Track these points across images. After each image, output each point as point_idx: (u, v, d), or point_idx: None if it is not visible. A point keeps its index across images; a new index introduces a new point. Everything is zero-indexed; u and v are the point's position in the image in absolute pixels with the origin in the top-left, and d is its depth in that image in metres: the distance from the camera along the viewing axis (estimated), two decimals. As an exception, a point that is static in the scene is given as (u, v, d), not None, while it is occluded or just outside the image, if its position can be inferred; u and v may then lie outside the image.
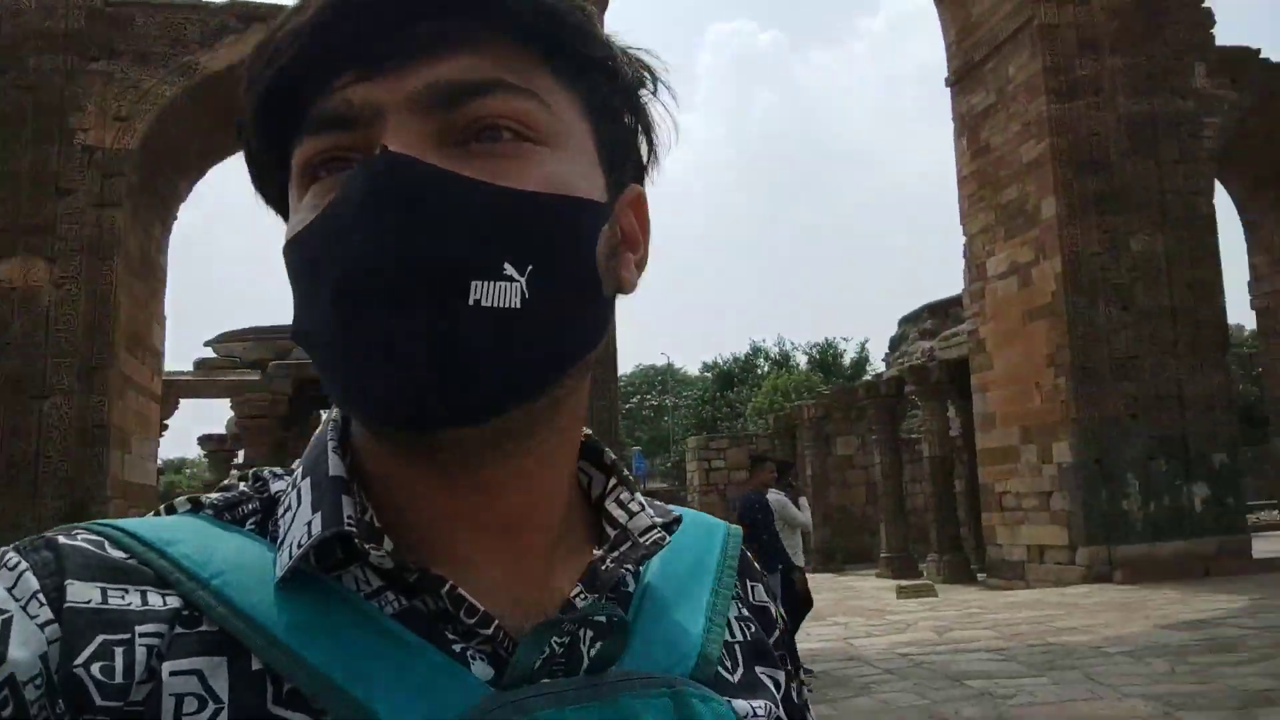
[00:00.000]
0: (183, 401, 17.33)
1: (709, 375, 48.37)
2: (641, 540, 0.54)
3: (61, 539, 0.47)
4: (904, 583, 14.30)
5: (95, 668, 0.43)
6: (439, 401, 0.44)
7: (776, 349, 46.87)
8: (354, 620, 0.47)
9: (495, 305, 0.44)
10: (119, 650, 0.43)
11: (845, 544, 20.80)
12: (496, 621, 0.48)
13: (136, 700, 0.43)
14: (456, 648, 0.48)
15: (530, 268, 0.46)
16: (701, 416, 42.46)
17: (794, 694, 0.62)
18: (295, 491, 0.51)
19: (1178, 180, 12.84)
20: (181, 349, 59.77)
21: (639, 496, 0.57)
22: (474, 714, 0.44)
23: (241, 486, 0.55)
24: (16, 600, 0.43)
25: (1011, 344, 13.76)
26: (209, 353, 18.60)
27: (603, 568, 0.53)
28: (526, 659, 0.47)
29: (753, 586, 0.64)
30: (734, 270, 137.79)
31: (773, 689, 0.58)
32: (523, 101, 0.48)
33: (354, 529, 0.47)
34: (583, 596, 0.51)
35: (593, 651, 0.50)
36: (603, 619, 0.51)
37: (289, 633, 0.45)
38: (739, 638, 0.59)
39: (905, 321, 26.00)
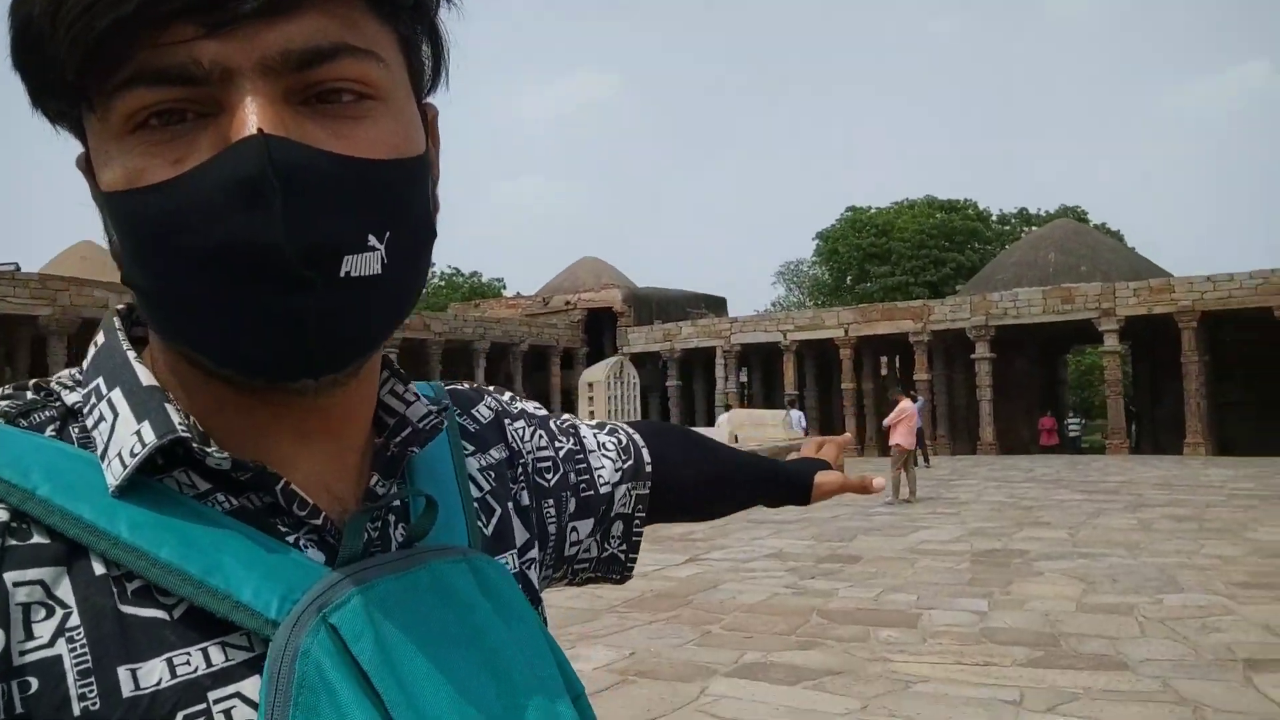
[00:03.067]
0: None
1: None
2: (421, 426, 0.58)
3: None
4: None
5: None
6: (312, 362, 0.47)
7: None
8: (193, 519, 0.49)
9: (362, 274, 0.47)
10: None
11: None
12: (324, 513, 0.52)
13: None
14: (290, 538, 0.51)
15: (388, 235, 0.48)
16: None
17: (548, 470, 0.75)
18: (104, 402, 0.51)
19: None
20: None
21: (412, 386, 0.61)
22: (322, 588, 0.49)
23: (28, 394, 0.53)
24: None
25: None
26: None
27: (388, 453, 0.57)
28: (353, 543, 0.52)
29: (475, 412, 0.72)
30: None
31: (513, 508, 0.69)
32: (365, 64, 0.48)
33: (188, 434, 0.49)
34: (381, 484, 0.56)
35: (399, 533, 0.57)
36: (398, 503, 0.58)
37: (134, 534, 0.47)
38: (486, 487, 0.67)
39: None
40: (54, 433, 0.51)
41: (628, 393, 18.41)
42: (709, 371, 33.25)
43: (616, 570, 0.85)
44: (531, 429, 0.76)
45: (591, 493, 0.78)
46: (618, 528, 0.82)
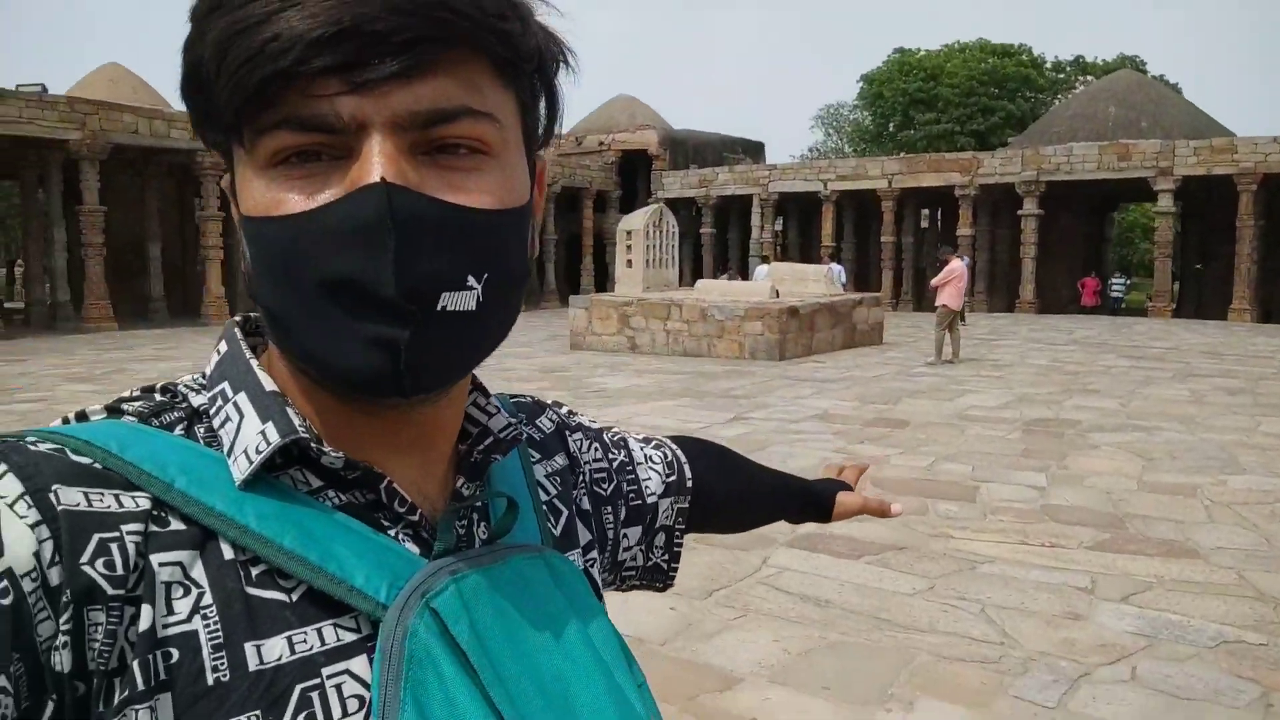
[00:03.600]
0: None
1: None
2: (502, 436, 0.64)
3: (28, 446, 0.51)
4: None
5: (99, 563, 0.48)
6: (401, 384, 0.52)
7: None
8: (310, 512, 0.54)
9: (458, 309, 0.52)
10: (114, 546, 0.49)
11: None
12: (420, 510, 0.59)
13: (134, 588, 0.49)
14: (390, 532, 0.57)
15: (485, 276, 0.53)
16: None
17: (592, 475, 0.79)
18: (230, 405, 0.57)
19: None
20: None
21: (493, 399, 0.67)
22: (423, 576, 0.54)
23: (158, 396, 0.59)
24: (2, 498, 0.47)
25: None
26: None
27: (472, 459, 0.63)
28: (447, 537, 0.58)
29: (539, 422, 0.78)
30: None
31: (575, 511, 0.74)
32: (482, 125, 0.53)
33: (307, 435, 0.55)
34: (466, 487, 0.62)
35: (481, 530, 0.62)
36: (480, 504, 0.63)
37: (261, 524, 0.53)
38: (553, 491, 0.73)
39: None
40: (182, 431, 0.57)
41: (666, 241, 17.92)
42: (744, 219, 32.57)
43: (660, 578, 0.90)
44: (588, 441, 0.81)
45: (640, 502, 0.84)
46: (660, 539, 0.88)
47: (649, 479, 0.85)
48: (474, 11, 0.51)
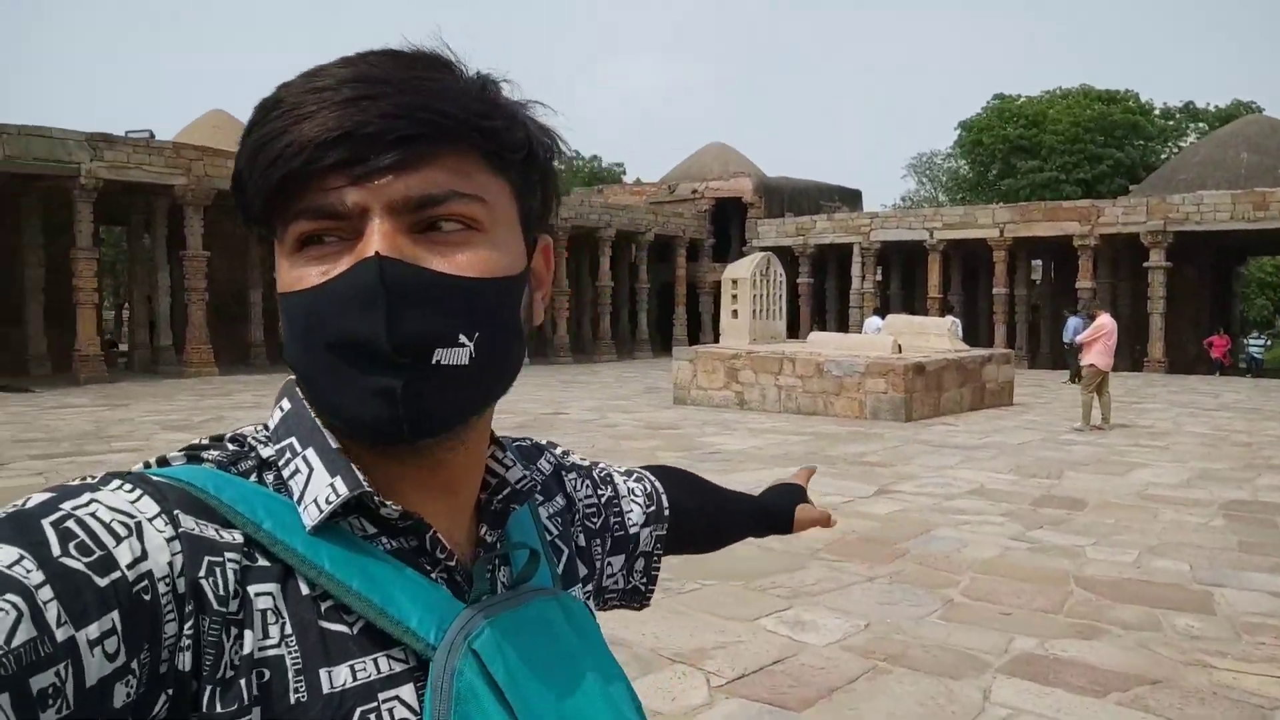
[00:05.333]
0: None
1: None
2: (518, 487, 0.71)
3: (153, 477, 0.58)
4: None
5: (208, 581, 0.55)
6: (409, 429, 0.59)
7: None
8: (370, 558, 0.61)
9: (451, 364, 0.59)
10: (218, 570, 0.56)
11: None
12: (456, 556, 0.65)
13: (234, 611, 0.56)
14: (432, 575, 0.64)
15: (477, 335, 0.60)
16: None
17: (582, 510, 0.87)
18: (299, 458, 0.63)
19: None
20: None
21: (509, 454, 0.73)
22: (464, 619, 0.62)
23: (230, 446, 0.65)
24: (143, 513, 0.55)
25: None
26: None
27: (491, 507, 0.70)
28: (481, 584, 0.65)
29: (539, 465, 0.84)
30: None
31: (574, 550, 0.82)
32: (470, 205, 0.61)
33: (371, 489, 0.61)
34: (489, 534, 0.69)
35: (502, 574, 0.69)
36: (502, 552, 0.69)
37: (334, 567, 0.59)
38: (555, 532, 0.80)
39: None
40: (255, 479, 0.63)
41: (773, 291, 16.95)
42: (843, 269, 31.51)
43: (637, 599, 0.96)
44: (581, 480, 0.88)
45: (623, 533, 0.91)
46: (640, 564, 0.95)
47: (631, 511, 0.93)
48: (458, 112, 0.59)
